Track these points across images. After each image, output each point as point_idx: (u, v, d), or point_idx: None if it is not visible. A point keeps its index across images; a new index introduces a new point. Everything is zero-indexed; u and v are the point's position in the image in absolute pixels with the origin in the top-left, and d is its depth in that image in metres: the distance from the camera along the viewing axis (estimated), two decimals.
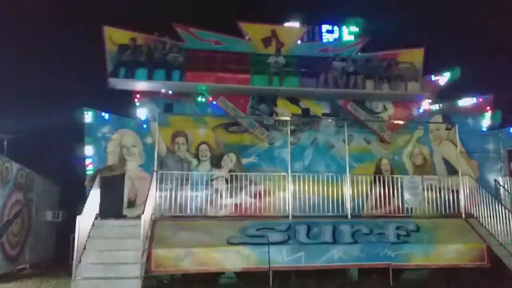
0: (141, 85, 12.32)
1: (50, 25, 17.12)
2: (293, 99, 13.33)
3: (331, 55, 13.52)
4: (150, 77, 12.17)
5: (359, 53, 14.04)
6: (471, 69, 14.50)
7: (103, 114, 11.92)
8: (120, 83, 12.15)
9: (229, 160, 12.47)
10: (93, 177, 10.02)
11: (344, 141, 11.72)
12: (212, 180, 11.70)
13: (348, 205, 10.53)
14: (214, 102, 12.71)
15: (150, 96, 12.49)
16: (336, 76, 13.00)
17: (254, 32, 13.53)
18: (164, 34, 12.91)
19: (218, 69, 12.60)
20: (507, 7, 17.33)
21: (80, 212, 8.19)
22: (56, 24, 17.44)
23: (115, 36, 12.50)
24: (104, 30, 12.47)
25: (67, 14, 18.21)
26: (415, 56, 14.07)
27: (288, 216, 10.24)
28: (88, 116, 11.73)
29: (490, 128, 13.96)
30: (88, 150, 11.58)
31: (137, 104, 12.43)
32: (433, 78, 14.24)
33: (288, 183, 10.52)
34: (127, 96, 12.51)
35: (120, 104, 12.82)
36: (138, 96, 12.46)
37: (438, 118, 13.81)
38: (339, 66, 13.16)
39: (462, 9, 18.79)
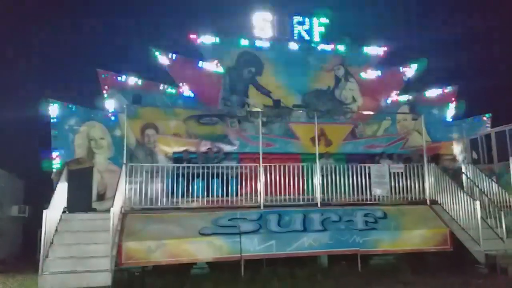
0: None
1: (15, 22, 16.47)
2: (265, 90, 13.40)
3: (378, 151, 12.93)
4: None
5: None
6: (437, 62, 14.97)
7: (70, 105, 11.62)
8: None
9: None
10: (60, 171, 9.78)
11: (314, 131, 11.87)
12: None
13: (318, 194, 10.72)
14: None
15: (118, 87, 12.25)
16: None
17: (303, 132, 13.06)
18: None
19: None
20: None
21: (46, 206, 8.01)
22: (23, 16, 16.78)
23: None
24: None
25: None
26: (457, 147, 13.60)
27: (259, 206, 10.34)
28: (54, 108, 11.41)
29: (454, 118, 14.49)
30: (55, 143, 11.28)
31: (105, 95, 12.18)
32: (401, 69, 14.64)
33: (260, 174, 10.59)
34: (95, 88, 12.26)
35: (87, 95, 12.57)
36: (106, 87, 12.21)
37: (405, 109, 14.23)
38: (387, 164, 12.21)
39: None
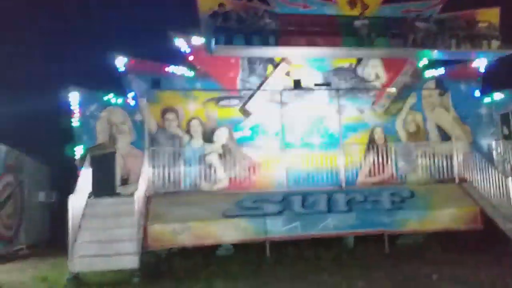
0: (241, 52, 12.20)
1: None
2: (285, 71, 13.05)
3: (414, 15, 13.10)
4: (248, 44, 11.86)
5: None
6: None
7: (89, 92, 11.62)
8: (223, 50, 11.90)
9: (222, 135, 12.33)
10: (83, 156, 9.86)
11: (337, 111, 11.61)
12: (205, 155, 11.61)
13: (342, 175, 10.53)
14: None
15: (136, 72, 12.16)
16: (423, 36, 12.77)
17: None
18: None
19: (309, 32, 12.41)
20: None
21: (72, 192, 8.10)
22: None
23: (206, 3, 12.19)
24: None
25: None
26: (492, 15, 13.69)
27: (282, 188, 10.23)
28: (74, 95, 11.43)
29: (483, 93, 13.89)
30: (76, 129, 11.35)
31: (124, 80, 12.12)
32: None
33: (282, 156, 10.47)
34: (114, 73, 12.19)
35: (107, 81, 12.52)
36: (124, 72, 12.13)
37: (431, 84, 13.67)
38: (424, 27, 12.91)
39: None
